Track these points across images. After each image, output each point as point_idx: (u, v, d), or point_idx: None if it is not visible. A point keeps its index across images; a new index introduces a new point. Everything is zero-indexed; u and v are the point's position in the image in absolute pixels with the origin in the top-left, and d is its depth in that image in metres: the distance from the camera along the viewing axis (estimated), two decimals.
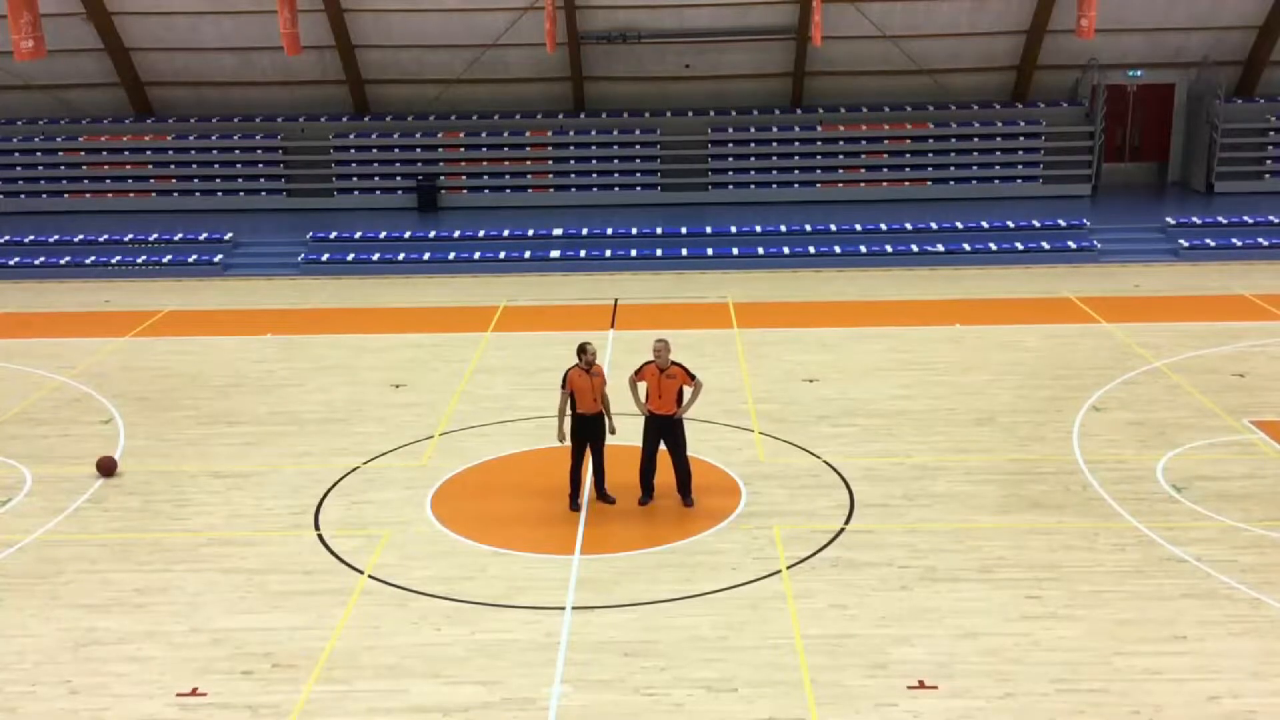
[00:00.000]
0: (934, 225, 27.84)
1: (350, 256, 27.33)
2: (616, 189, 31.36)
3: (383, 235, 28.23)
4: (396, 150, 31.48)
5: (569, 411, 14.00)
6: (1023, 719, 10.09)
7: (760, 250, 27.23)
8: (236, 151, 31.42)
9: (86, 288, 26.28)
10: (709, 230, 28.17)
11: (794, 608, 11.90)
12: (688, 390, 14.05)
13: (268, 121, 31.84)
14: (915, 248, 27.14)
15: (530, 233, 28.25)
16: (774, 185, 31.14)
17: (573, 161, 31.56)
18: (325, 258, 27.28)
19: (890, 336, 21.30)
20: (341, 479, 15.39)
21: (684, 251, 27.41)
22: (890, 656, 11.00)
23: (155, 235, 28.18)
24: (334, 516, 14.26)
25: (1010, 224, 27.95)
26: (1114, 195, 31.30)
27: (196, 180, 31.37)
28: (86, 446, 16.52)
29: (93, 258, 27.43)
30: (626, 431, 14.90)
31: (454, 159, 31.55)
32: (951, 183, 30.99)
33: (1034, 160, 31.08)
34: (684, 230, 28.29)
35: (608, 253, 27.39)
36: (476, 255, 27.23)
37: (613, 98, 32.23)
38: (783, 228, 28.07)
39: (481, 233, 28.30)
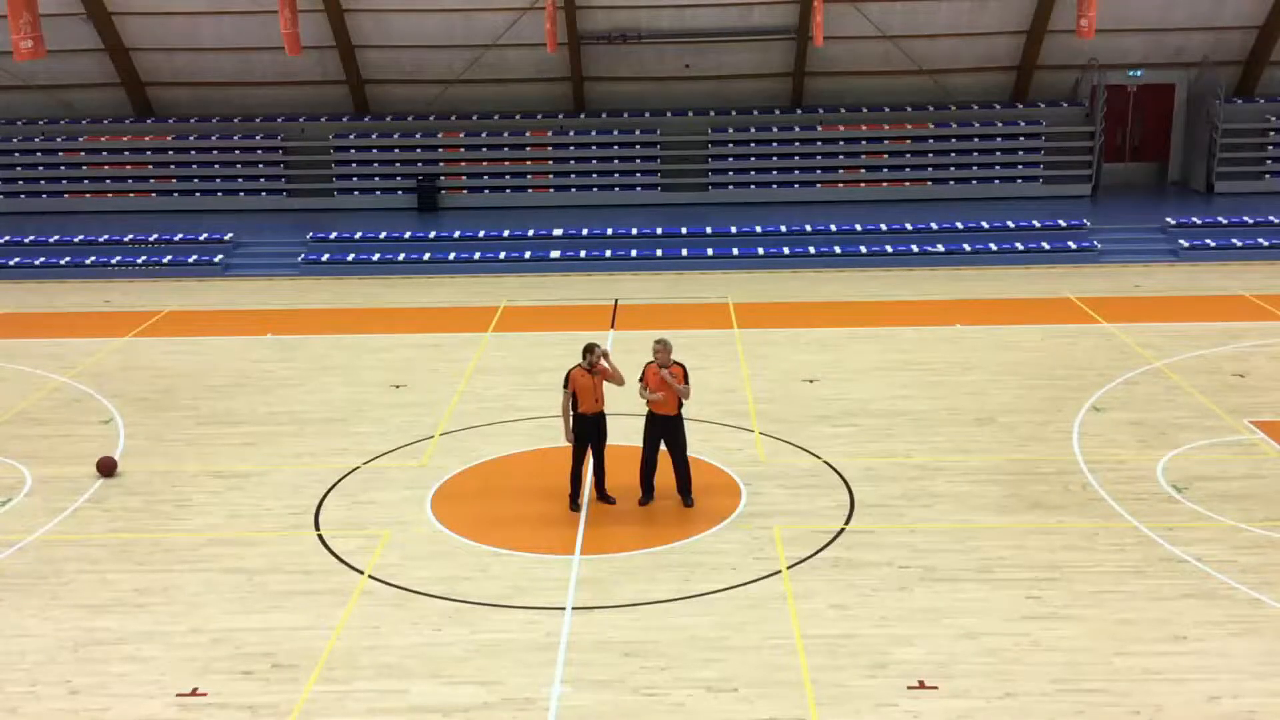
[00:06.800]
0: (934, 225, 27.83)
1: (350, 256, 27.33)
2: (616, 189, 31.36)
3: (383, 235, 28.21)
4: (396, 150, 31.48)
5: (571, 411, 14.00)
6: (1023, 719, 10.09)
7: (760, 250, 27.22)
8: (236, 151, 31.42)
9: (86, 288, 26.28)
10: (709, 230, 28.17)
11: (794, 608, 11.90)
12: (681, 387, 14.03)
13: (268, 121, 31.85)
14: (915, 248, 27.15)
15: (530, 233, 28.25)
16: (774, 185, 31.14)
17: (573, 162, 31.56)
18: (325, 258, 27.28)
19: (890, 337, 21.30)
20: (341, 479, 15.38)
21: (684, 251, 27.41)
22: (890, 656, 11.00)
23: (155, 235, 28.18)
24: (334, 516, 14.25)
25: (1010, 224, 27.95)
26: (1114, 195, 31.30)
27: (196, 180, 31.38)
28: (86, 446, 16.51)
29: (93, 258, 27.42)
30: (627, 431, 14.90)
31: (454, 159, 31.55)
32: (951, 183, 30.99)
33: (1034, 160, 31.07)
34: (684, 230, 28.29)
35: (608, 253, 27.38)
36: (476, 255, 27.23)
37: (613, 98, 32.23)
38: (783, 228, 28.07)
39: (481, 233, 28.30)
